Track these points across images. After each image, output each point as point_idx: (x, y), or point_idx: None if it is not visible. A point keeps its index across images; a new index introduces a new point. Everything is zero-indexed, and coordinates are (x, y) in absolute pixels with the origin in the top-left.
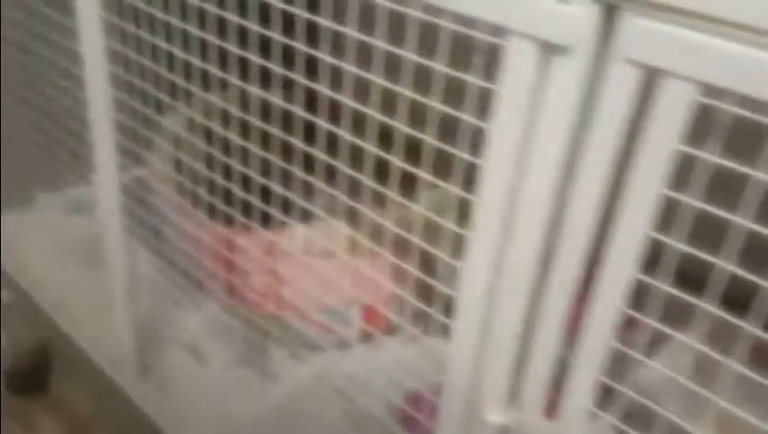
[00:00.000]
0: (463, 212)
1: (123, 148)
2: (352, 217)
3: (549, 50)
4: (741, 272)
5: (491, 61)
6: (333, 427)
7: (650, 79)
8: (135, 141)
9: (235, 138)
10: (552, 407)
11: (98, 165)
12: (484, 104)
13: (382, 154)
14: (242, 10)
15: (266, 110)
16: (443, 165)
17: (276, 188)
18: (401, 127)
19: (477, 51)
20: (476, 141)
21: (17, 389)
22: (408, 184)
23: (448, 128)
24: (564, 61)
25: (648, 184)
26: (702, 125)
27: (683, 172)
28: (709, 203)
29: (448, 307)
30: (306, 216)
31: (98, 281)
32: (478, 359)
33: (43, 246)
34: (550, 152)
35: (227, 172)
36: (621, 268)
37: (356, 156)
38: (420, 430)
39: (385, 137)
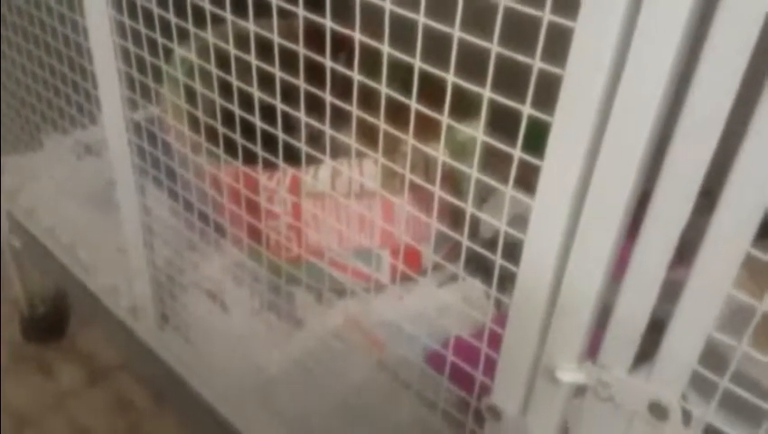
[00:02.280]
0: (532, 137)
1: (130, 82)
2: (385, 150)
3: None
4: None
5: None
6: (366, 375)
7: None
8: (145, 73)
9: (254, 64)
10: (640, 362)
11: (104, 102)
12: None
13: (429, 69)
14: None
15: (288, 31)
16: (503, 85)
17: (301, 119)
18: (455, 32)
19: None
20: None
21: (35, 336)
22: (455, 108)
23: (514, 35)
24: None
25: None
26: None
27: None
28: None
29: (483, 245)
30: (334, 150)
31: (111, 226)
32: (549, 310)
33: (53, 190)
34: (657, 59)
35: (245, 103)
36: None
37: (394, 77)
38: (467, 381)
39: (430, 52)
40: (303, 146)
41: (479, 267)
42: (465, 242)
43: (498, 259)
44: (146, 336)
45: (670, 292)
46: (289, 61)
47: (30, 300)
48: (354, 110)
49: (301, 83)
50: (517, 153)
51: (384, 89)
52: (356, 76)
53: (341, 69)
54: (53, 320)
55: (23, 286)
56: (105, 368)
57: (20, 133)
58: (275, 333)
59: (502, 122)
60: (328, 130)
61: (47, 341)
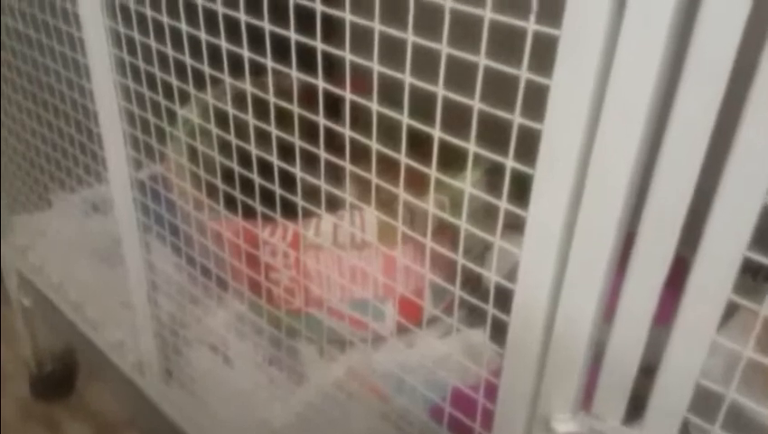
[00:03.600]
0: (518, 190)
1: (134, 142)
2: (383, 203)
3: None
4: None
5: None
6: (369, 427)
7: None
8: (149, 134)
9: (253, 123)
10: (633, 411)
11: (110, 161)
12: (540, 59)
13: (419, 126)
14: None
15: (284, 90)
16: (491, 138)
17: (300, 175)
18: (440, 91)
19: None
20: (531, 104)
21: (44, 394)
22: (451, 161)
23: (496, 91)
24: None
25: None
26: None
27: None
28: None
29: (486, 295)
30: (333, 204)
31: (117, 282)
32: (541, 359)
33: (62, 248)
34: (633, 105)
35: (245, 160)
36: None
37: (388, 133)
38: (468, 432)
39: (420, 109)
40: (299, 201)
41: (482, 316)
42: (458, 293)
43: (490, 310)
44: (152, 392)
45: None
46: (288, 117)
47: (38, 357)
48: (347, 166)
49: (296, 140)
50: (503, 204)
51: (375, 144)
52: (347, 132)
53: (335, 127)
54: (62, 377)
55: (32, 343)
56: (112, 424)
57: (29, 193)
58: (278, 386)
59: (501, 171)
60: (323, 185)
61: (55, 398)
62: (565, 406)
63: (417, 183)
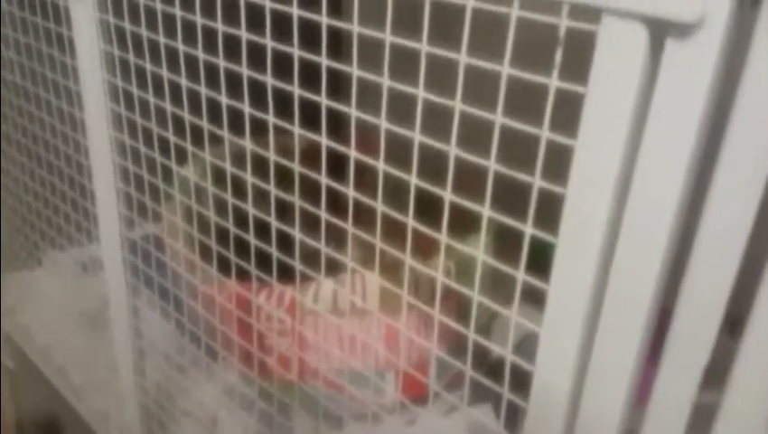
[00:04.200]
0: (531, 258)
1: (128, 200)
2: (386, 268)
3: (663, 31)
4: None
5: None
6: None
7: None
8: (143, 192)
9: (252, 182)
10: None
11: (101, 220)
12: (563, 116)
13: (427, 187)
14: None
15: (286, 150)
16: (502, 201)
17: (300, 237)
18: (452, 150)
19: (554, 45)
20: (551, 165)
21: None
22: (457, 225)
23: (512, 152)
24: (686, 46)
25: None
26: None
27: None
28: None
29: (493, 369)
30: (333, 268)
31: (103, 348)
32: None
33: (50, 309)
34: (670, 164)
35: (243, 221)
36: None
37: (394, 196)
38: None
39: (428, 170)
40: (297, 265)
41: (490, 390)
42: (468, 371)
43: (505, 392)
44: None
45: (701, 419)
46: (290, 178)
47: (21, 425)
48: (349, 228)
49: (296, 200)
50: (520, 275)
51: (380, 206)
52: (351, 193)
53: (338, 186)
54: None
55: (15, 409)
56: None
57: (19, 250)
58: None
59: (513, 237)
60: (323, 248)
61: None
62: None
63: (422, 248)
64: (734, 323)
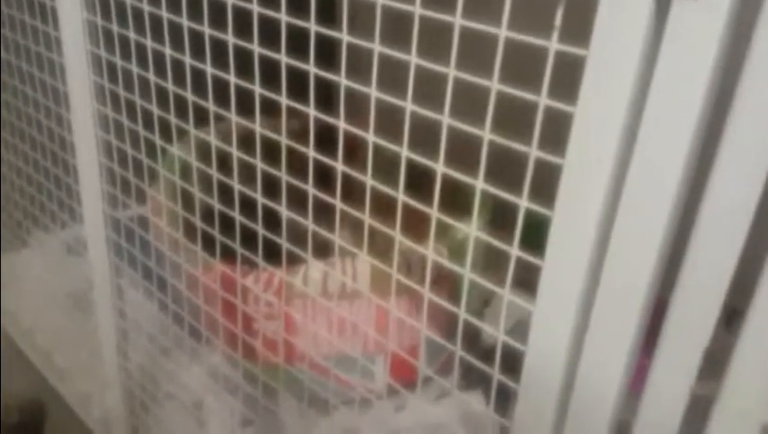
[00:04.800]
0: (527, 241)
1: (112, 178)
2: (378, 251)
3: None
4: None
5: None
6: None
7: None
8: (128, 170)
9: (242, 160)
10: None
11: (84, 197)
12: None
13: (422, 161)
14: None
15: (275, 130)
16: (497, 178)
17: (288, 215)
18: (445, 120)
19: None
20: (551, 136)
21: None
22: (452, 206)
23: (507, 122)
24: (693, 7)
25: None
26: None
27: None
28: None
29: (485, 354)
30: (324, 250)
31: (87, 330)
32: (557, 430)
33: (35, 291)
34: (673, 135)
35: (229, 200)
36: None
37: (386, 174)
38: None
39: (420, 145)
40: (285, 244)
41: (481, 377)
42: (460, 353)
43: (495, 375)
44: None
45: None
46: (295, 163)
47: (5, 407)
48: (338, 205)
49: (283, 175)
50: (514, 251)
51: (369, 180)
52: (340, 166)
53: (327, 161)
54: (28, 429)
55: None
56: None
57: (3, 232)
58: None
59: (508, 219)
60: (311, 226)
61: None
62: None
63: (414, 230)
64: (731, 314)
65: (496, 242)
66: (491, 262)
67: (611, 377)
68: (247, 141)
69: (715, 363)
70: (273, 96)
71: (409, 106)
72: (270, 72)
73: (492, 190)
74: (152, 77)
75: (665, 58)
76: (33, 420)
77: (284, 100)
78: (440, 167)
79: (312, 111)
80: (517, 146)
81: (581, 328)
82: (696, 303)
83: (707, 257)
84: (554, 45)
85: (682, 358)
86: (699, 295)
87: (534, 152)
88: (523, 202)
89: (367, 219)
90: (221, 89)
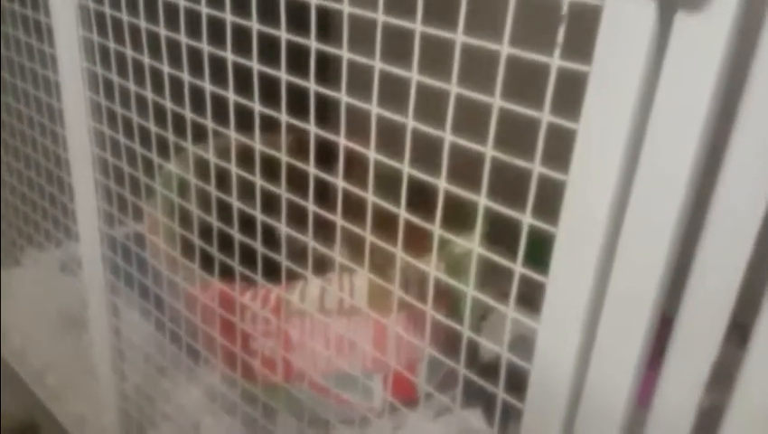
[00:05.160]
0: (537, 249)
1: (108, 195)
2: (376, 267)
3: (673, 5)
4: None
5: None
6: None
7: None
8: (124, 187)
9: (237, 174)
10: None
11: (80, 215)
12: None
13: (424, 178)
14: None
15: (274, 145)
16: (498, 194)
17: (286, 232)
18: (447, 136)
19: (557, 22)
20: (554, 152)
21: None
22: (450, 221)
23: (511, 138)
24: (696, 21)
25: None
26: None
27: None
28: None
29: (484, 370)
30: (322, 267)
31: (82, 350)
32: None
33: (28, 310)
34: (678, 150)
35: (227, 217)
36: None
37: (385, 190)
38: None
39: (421, 161)
40: (285, 263)
41: (479, 393)
42: (462, 370)
43: (500, 392)
44: None
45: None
46: (278, 171)
47: None
48: (339, 221)
49: (283, 193)
50: (518, 268)
51: (371, 197)
52: (340, 183)
53: (326, 177)
54: None
55: None
56: None
57: None
58: None
59: (504, 234)
60: (311, 243)
61: None
62: None
63: (413, 247)
64: (739, 328)
65: (498, 258)
66: (489, 276)
67: (618, 392)
68: (244, 157)
69: (722, 377)
70: (270, 112)
71: (410, 122)
72: (266, 88)
73: (495, 206)
74: (149, 94)
75: (668, 71)
76: None
77: (283, 117)
78: (442, 183)
79: (312, 128)
80: (520, 162)
81: (587, 345)
82: (703, 315)
83: (714, 268)
84: (556, 62)
85: (691, 370)
86: (707, 306)
87: (537, 168)
88: (527, 219)
89: (367, 235)
90: (218, 105)
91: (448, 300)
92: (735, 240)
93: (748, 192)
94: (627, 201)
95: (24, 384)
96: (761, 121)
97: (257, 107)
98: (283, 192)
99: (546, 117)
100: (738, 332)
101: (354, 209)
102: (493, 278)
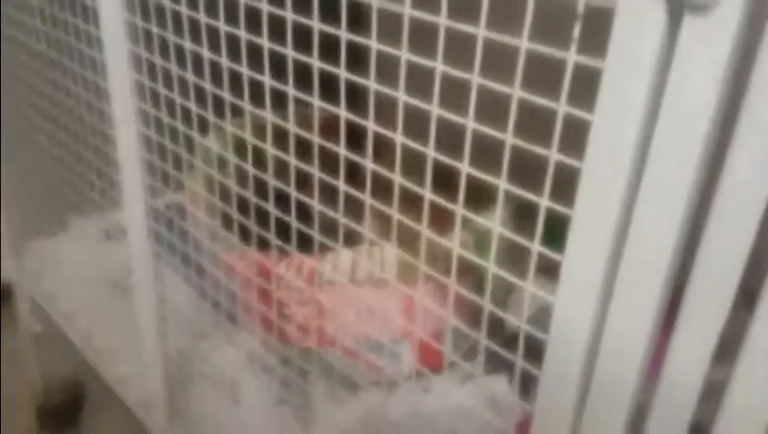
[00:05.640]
0: (549, 233)
1: (152, 169)
2: (404, 242)
3: (681, 6)
4: None
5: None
6: None
7: None
8: (167, 161)
9: (273, 154)
10: None
11: (125, 188)
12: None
13: (447, 161)
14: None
15: (306, 123)
16: (521, 176)
17: (319, 208)
18: (470, 123)
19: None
20: (568, 139)
21: (48, 424)
22: (476, 200)
23: (530, 126)
24: (704, 22)
25: None
26: None
27: None
28: None
29: (509, 341)
30: (352, 239)
31: (126, 314)
32: (576, 421)
33: (74, 275)
34: (688, 135)
35: (263, 192)
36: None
37: (413, 170)
38: None
39: (447, 143)
40: (316, 235)
41: (504, 362)
42: (483, 340)
43: (519, 362)
44: (156, 430)
45: (713, 393)
46: (310, 150)
47: (47, 387)
48: (368, 199)
49: (316, 171)
50: (536, 247)
51: (398, 178)
52: (369, 164)
53: (356, 158)
54: (68, 408)
55: (40, 372)
56: None
57: (44, 217)
58: (289, 429)
59: (528, 215)
60: (341, 218)
61: (61, 429)
62: None
63: (440, 222)
64: (748, 294)
65: (517, 238)
66: (516, 252)
67: (631, 360)
68: (279, 136)
69: (732, 347)
70: (302, 95)
71: (435, 109)
72: (299, 74)
73: (514, 190)
74: (190, 75)
75: (677, 68)
76: (74, 401)
77: (316, 102)
78: (465, 166)
79: (342, 112)
80: (538, 149)
81: (600, 318)
82: (712, 283)
83: (723, 238)
84: (572, 57)
85: (699, 339)
86: (716, 274)
87: (554, 155)
88: (544, 202)
89: (395, 212)
90: (253, 87)
91: (476, 274)
92: (744, 209)
93: (757, 161)
94: (639, 184)
95: (72, 345)
96: None
97: (290, 90)
98: (316, 170)
99: (563, 107)
100: (747, 297)
101: (383, 187)
102: (521, 252)
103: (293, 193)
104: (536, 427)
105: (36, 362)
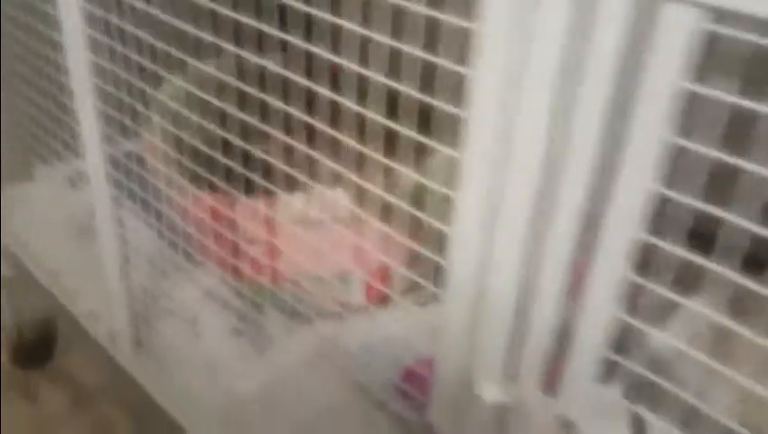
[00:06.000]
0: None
1: (109, 120)
2: (350, 185)
3: None
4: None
5: None
6: (330, 399)
7: (649, 6)
8: (124, 112)
9: (228, 107)
10: (552, 382)
11: (84, 137)
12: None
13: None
14: None
15: (260, 75)
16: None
17: (269, 157)
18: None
19: None
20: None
21: (23, 362)
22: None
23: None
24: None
25: (650, 129)
26: (712, 59)
27: (692, 115)
28: (724, 150)
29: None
30: (305, 184)
31: (92, 255)
32: (470, 330)
33: (42, 220)
34: (540, 98)
35: (219, 142)
36: (624, 227)
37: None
38: (416, 405)
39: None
40: (270, 182)
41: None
42: (422, 279)
43: (429, 285)
44: (123, 361)
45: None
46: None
47: (20, 327)
48: (327, 133)
49: (259, 93)
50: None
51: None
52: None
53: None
54: (41, 346)
55: (13, 313)
56: (88, 392)
57: (13, 165)
58: (246, 358)
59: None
60: (305, 149)
61: (34, 366)
62: (492, 374)
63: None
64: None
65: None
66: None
67: (510, 274)
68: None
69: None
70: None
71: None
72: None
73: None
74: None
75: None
76: (47, 338)
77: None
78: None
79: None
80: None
81: (486, 243)
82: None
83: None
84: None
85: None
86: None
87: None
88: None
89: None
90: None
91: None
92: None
93: None
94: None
95: (42, 285)
96: None
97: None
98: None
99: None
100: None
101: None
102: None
103: (236, 141)
104: (441, 339)
105: (9, 304)
